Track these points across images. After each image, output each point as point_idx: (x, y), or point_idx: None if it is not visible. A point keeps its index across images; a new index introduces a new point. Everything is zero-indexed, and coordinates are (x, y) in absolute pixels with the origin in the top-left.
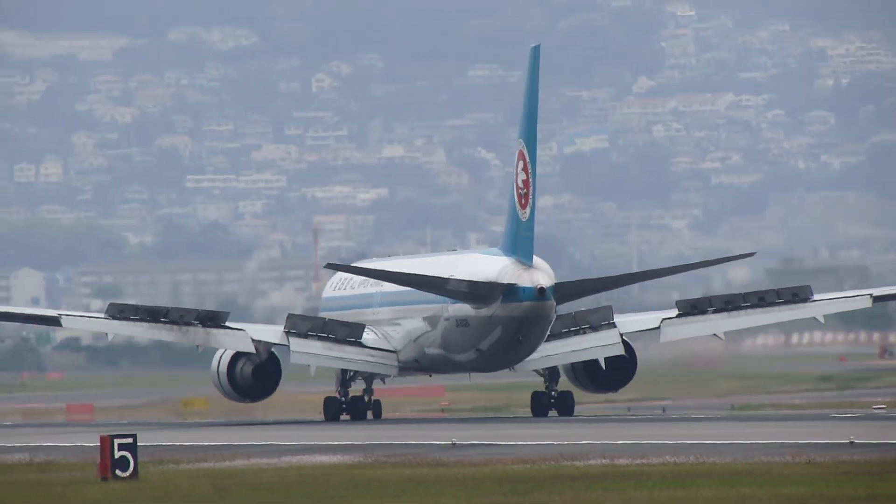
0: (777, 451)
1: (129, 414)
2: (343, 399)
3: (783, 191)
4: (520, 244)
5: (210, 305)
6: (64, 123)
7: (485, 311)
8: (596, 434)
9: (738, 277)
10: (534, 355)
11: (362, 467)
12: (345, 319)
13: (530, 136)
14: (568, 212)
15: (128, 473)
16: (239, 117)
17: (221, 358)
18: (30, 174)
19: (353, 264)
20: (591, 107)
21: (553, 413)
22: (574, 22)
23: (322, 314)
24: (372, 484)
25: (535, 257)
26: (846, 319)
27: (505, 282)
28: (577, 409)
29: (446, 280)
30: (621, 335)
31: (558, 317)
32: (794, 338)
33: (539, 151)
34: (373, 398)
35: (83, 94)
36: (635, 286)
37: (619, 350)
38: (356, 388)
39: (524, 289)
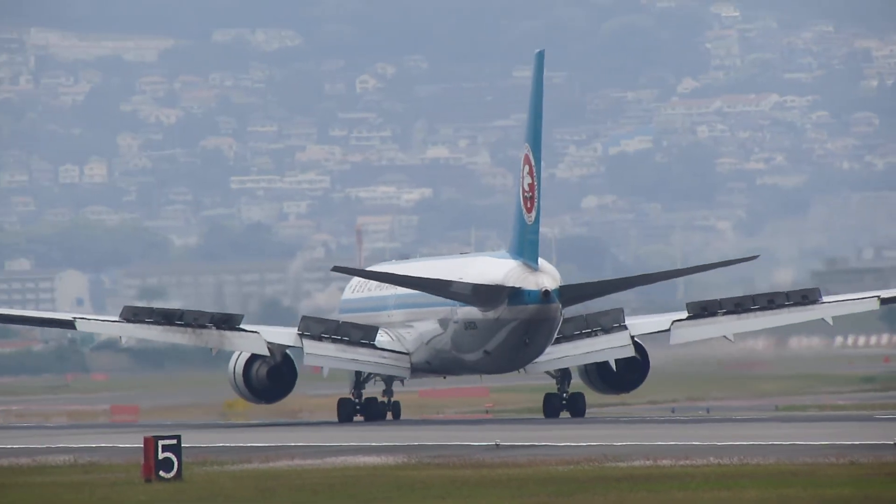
0: (821, 453)
1: (172, 415)
2: (357, 401)
3: (827, 191)
4: (526, 247)
5: (254, 306)
6: (109, 124)
7: (491, 314)
8: (639, 435)
9: (783, 278)
10: (545, 357)
11: (406, 468)
12: (362, 321)
13: (536, 141)
14: (612, 213)
15: (171, 475)
16: (283, 118)
17: (238, 360)
18: (74, 175)
19: (368, 268)
20: (636, 108)
21: (565, 414)
22: (618, 23)
23: (341, 316)
24: (416, 485)
25: (541, 260)
26: (891, 320)
27: (510, 285)
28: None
29: (450, 283)
30: (632, 337)
31: (570, 319)
32: (839, 339)
33: (583, 152)
34: (392, 399)
35: (128, 95)
36: (680, 287)
37: (630, 352)
38: (376, 389)
39: (529, 292)
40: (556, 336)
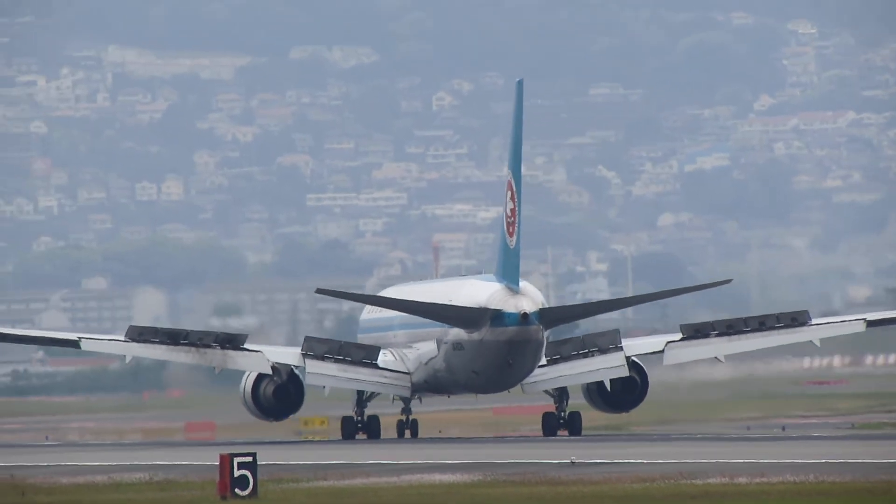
0: None
1: (248, 432)
2: (359, 419)
3: None
4: (508, 270)
5: (330, 324)
6: (185, 142)
7: (476, 335)
8: (715, 452)
9: (858, 296)
10: (543, 377)
11: (482, 486)
12: (373, 341)
13: (517, 168)
14: (688, 230)
15: (247, 492)
16: (360, 136)
17: (247, 378)
18: (151, 193)
19: (381, 292)
20: (712, 125)
21: (563, 433)
22: (695, 40)
23: (359, 336)
24: (491, 502)
25: (524, 283)
26: None
27: (493, 307)
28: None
29: (433, 305)
30: (628, 358)
31: (568, 340)
32: None
33: (659, 169)
34: (410, 417)
35: (204, 113)
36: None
37: (624, 372)
38: (369, 406)
39: (509, 314)
40: (554, 357)
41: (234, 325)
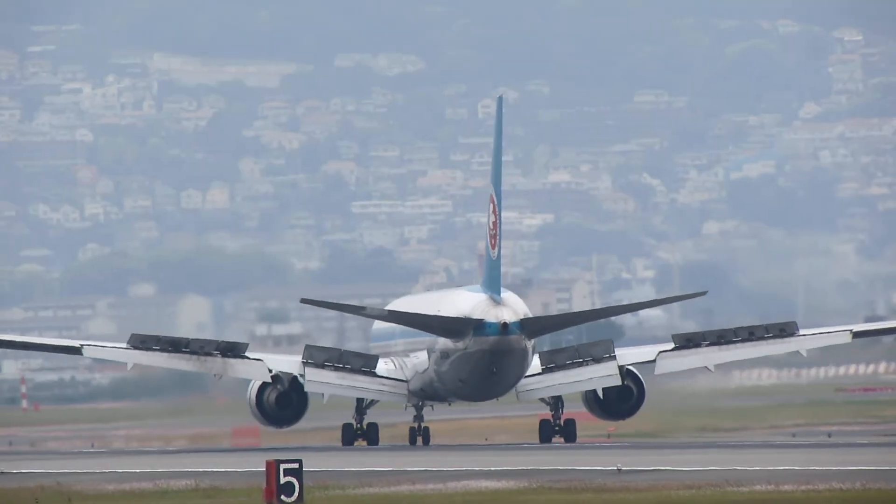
0: None
1: (294, 438)
2: (359, 426)
3: None
4: (490, 281)
5: None
6: (231, 149)
7: (461, 345)
8: (761, 459)
9: None
10: (538, 385)
11: (527, 492)
12: (379, 349)
13: (497, 182)
14: (734, 238)
15: (293, 498)
16: (405, 143)
17: (252, 386)
18: (197, 200)
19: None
20: (758, 132)
21: (559, 439)
22: (741, 48)
23: (371, 344)
24: None
25: (509, 294)
26: None
27: (475, 317)
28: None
29: (419, 316)
30: (623, 367)
31: (563, 349)
32: None
33: (705, 177)
34: (422, 425)
35: (250, 121)
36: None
37: (617, 381)
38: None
39: (490, 324)
40: (549, 365)
41: (278, 331)
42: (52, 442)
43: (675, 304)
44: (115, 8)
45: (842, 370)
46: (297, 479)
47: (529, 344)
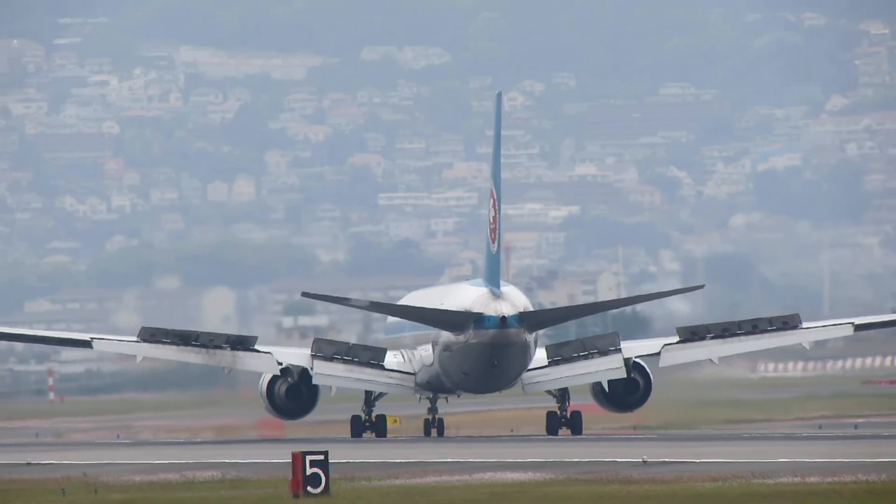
0: None
1: (320, 430)
2: (367, 418)
3: None
4: (491, 275)
5: None
6: (257, 142)
7: (462, 338)
8: (787, 452)
9: None
10: (544, 377)
11: (554, 484)
12: (391, 342)
13: (497, 178)
14: (760, 230)
15: (319, 490)
16: (431, 136)
17: (263, 378)
18: (223, 193)
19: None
20: (784, 125)
21: (565, 431)
22: (767, 40)
23: (384, 336)
24: (563, 501)
25: (510, 288)
26: None
27: (475, 311)
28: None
29: (422, 310)
30: (629, 360)
31: (569, 342)
32: None
33: (731, 169)
34: (437, 416)
35: (276, 113)
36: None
37: (622, 374)
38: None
39: (489, 317)
40: (555, 358)
41: (304, 323)
42: (79, 433)
43: (701, 297)
44: (142, 0)
45: (868, 362)
46: (324, 471)
47: (530, 337)
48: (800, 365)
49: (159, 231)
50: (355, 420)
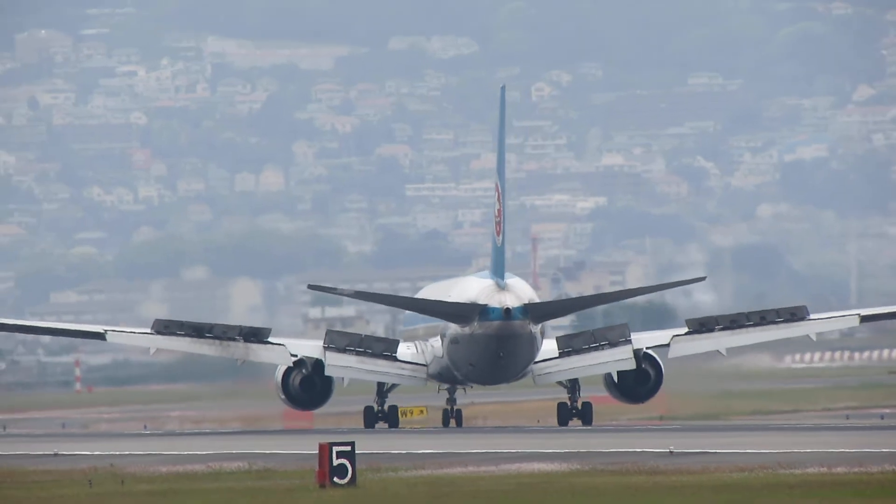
0: None
1: (347, 421)
2: (379, 409)
3: None
4: (496, 267)
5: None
6: (284, 132)
7: (468, 330)
8: (814, 442)
9: None
10: (555, 368)
11: (580, 475)
12: (409, 333)
13: (501, 171)
14: (787, 221)
15: (346, 481)
16: (459, 126)
17: (279, 369)
18: (250, 183)
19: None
20: (811, 115)
21: (576, 422)
22: (794, 30)
23: (403, 328)
24: (589, 492)
25: (516, 280)
26: None
27: (479, 303)
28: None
29: (427, 302)
30: (640, 351)
31: (580, 333)
32: None
33: (758, 159)
34: (455, 407)
35: (304, 103)
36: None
37: (631, 365)
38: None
39: (493, 309)
40: (566, 349)
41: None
42: (105, 424)
43: (727, 287)
44: None
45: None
46: (350, 462)
47: (536, 329)
48: (827, 355)
49: (186, 222)
50: (368, 410)
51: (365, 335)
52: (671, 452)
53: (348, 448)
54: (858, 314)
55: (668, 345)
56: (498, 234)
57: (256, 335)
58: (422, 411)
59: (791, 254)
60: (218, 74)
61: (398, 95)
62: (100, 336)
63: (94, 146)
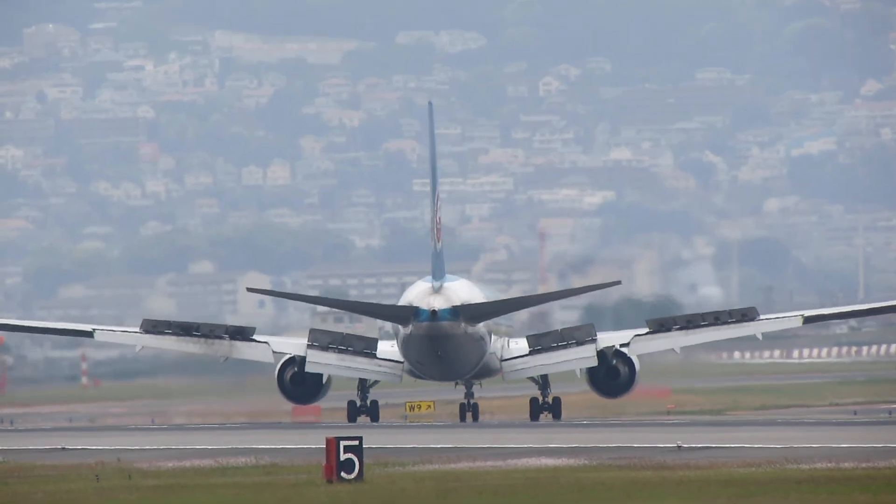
0: None
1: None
2: (362, 403)
3: None
4: (434, 271)
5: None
6: (292, 127)
7: (408, 330)
8: (821, 437)
9: None
10: (524, 365)
11: (587, 470)
12: (389, 331)
13: (434, 183)
14: (794, 215)
15: (353, 475)
16: (466, 121)
17: (277, 365)
18: (258, 177)
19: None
20: (819, 110)
21: (547, 416)
22: (802, 25)
23: (387, 325)
24: (597, 487)
25: (458, 282)
26: None
27: (413, 305)
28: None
29: (363, 304)
30: (608, 349)
31: (548, 333)
32: None
33: (766, 154)
34: (472, 401)
35: (311, 98)
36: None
37: (594, 362)
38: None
39: (422, 311)
40: (536, 348)
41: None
42: (112, 418)
43: (735, 282)
44: None
45: None
46: (358, 457)
47: (475, 328)
48: (834, 351)
49: (194, 216)
50: (351, 405)
51: (346, 334)
52: (679, 447)
53: (356, 443)
54: (802, 315)
55: (628, 343)
56: (437, 241)
57: (242, 333)
58: (429, 406)
59: (798, 248)
60: (225, 69)
61: (406, 90)
62: (88, 335)
63: (101, 140)
